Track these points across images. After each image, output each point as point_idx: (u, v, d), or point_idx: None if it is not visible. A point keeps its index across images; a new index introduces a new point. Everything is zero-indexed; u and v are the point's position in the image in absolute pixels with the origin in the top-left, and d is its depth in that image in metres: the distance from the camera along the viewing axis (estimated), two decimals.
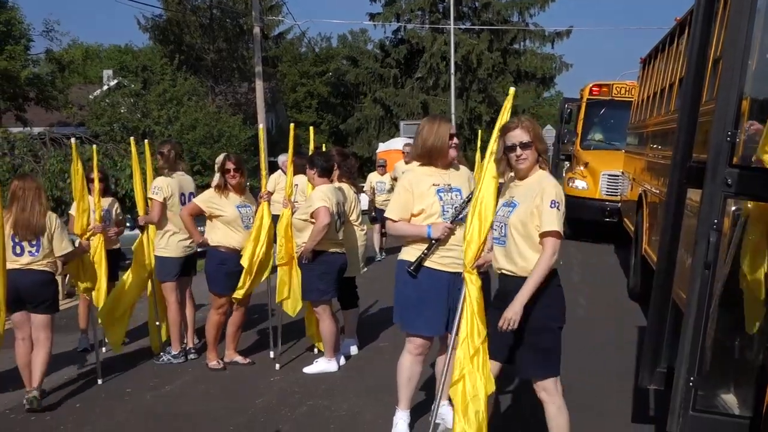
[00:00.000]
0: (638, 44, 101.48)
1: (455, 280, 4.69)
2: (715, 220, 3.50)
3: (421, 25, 38.09)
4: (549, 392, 4.10)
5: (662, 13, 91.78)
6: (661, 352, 4.21)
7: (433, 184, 4.78)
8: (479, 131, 9.41)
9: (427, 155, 4.83)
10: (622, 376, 6.03)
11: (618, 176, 13.39)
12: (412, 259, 4.75)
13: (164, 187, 6.82)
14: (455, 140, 4.80)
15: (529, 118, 4.25)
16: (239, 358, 6.76)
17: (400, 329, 4.94)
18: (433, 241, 4.71)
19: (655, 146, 8.63)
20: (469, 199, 4.78)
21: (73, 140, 6.69)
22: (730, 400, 3.73)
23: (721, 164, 3.47)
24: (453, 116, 30.58)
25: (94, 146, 8.23)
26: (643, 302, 8.53)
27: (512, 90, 4.20)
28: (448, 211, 4.75)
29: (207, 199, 6.51)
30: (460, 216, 4.73)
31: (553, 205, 3.93)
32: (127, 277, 6.99)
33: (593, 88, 15.69)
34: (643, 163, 9.47)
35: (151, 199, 6.85)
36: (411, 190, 4.78)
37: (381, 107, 38.21)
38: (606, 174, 14.10)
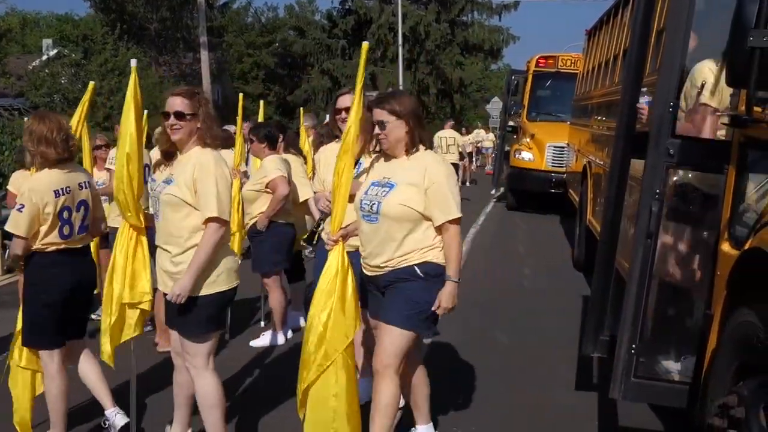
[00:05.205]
0: (585, 16, 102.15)
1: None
2: (657, 190, 3.55)
3: None
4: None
5: None
6: (604, 320, 4.29)
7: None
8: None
9: None
10: (566, 344, 6.12)
11: (563, 148, 13.53)
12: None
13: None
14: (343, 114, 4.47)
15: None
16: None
17: None
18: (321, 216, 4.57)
19: (599, 118, 8.72)
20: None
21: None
22: (671, 366, 3.81)
23: (663, 134, 3.52)
24: (401, 88, 30.45)
25: None
26: (587, 272, 8.66)
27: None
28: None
29: None
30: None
31: None
32: None
33: (539, 60, 15.78)
34: (588, 135, 9.58)
35: (108, 169, 6.71)
36: None
37: (329, 78, 37.87)
38: (551, 145, 14.25)
